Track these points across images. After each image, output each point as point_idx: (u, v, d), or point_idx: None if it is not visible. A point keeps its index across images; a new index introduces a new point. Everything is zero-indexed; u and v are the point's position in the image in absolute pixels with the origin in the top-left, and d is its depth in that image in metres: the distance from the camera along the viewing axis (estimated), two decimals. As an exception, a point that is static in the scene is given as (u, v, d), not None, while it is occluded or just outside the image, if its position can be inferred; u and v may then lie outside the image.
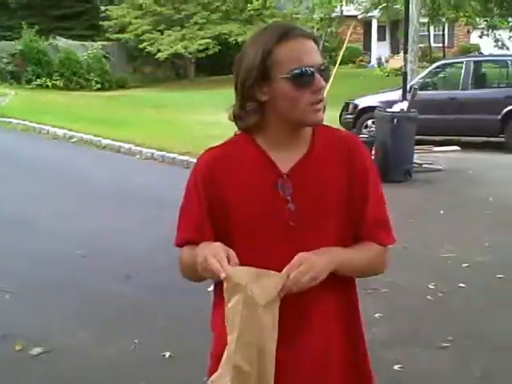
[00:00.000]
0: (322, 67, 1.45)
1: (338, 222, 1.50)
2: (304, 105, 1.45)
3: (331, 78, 18.56)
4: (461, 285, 4.70)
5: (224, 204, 1.50)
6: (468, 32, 25.88)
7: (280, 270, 1.39)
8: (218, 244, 1.42)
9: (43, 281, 4.77)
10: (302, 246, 1.44)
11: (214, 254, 1.37)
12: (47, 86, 22.33)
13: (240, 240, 1.47)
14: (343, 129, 11.26)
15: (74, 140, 11.64)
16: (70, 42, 24.28)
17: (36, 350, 3.72)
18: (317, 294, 1.47)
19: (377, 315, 4.20)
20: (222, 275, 1.34)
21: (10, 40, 23.82)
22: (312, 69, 1.43)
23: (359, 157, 1.54)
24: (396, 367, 3.51)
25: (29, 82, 22.49)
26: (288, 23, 1.47)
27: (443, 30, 27.36)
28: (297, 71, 1.43)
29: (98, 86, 23.09)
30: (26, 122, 13.17)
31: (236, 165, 1.52)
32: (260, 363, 1.37)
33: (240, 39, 23.79)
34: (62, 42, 24.13)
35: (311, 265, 1.38)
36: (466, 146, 10.37)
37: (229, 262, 1.37)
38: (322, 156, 1.51)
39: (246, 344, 1.35)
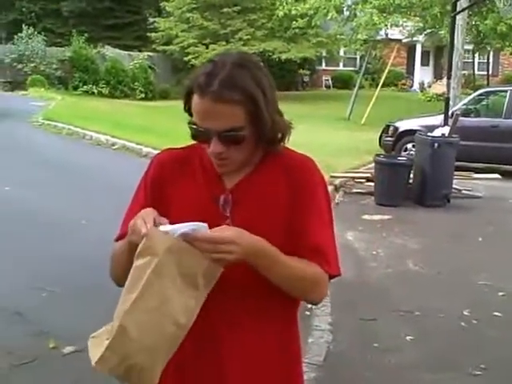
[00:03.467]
0: (227, 133, 1.36)
1: (277, 243, 1.38)
2: (208, 153, 1.43)
3: (373, 100, 18.46)
4: (496, 313, 4.63)
5: (166, 209, 1.44)
6: (514, 61, 25.59)
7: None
8: (149, 209, 1.36)
9: (81, 284, 4.84)
10: (238, 263, 1.37)
11: (143, 216, 1.32)
12: (93, 93, 22.84)
13: None
14: (382, 151, 11.24)
15: (116, 147, 11.84)
16: (118, 51, 24.83)
17: (68, 349, 3.79)
18: (251, 328, 1.44)
19: (408, 338, 4.17)
20: (143, 230, 1.27)
21: (60, 47, 24.50)
22: (208, 132, 1.37)
23: (306, 180, 1.47)
24: (426, 391, 3.48)
25: (75, 88, 23.05)
26: (225, 62, 1.35)
27: (488, 58, 27.06)
28: (193, 127, 1.40)
29: (142, 95, 23.49)
30: (70, 127, 13.45)
31: (187, 172, 1.50)
32: (154, 339, 1.25)
33: (283, 56, 24.00)
34: (109, 50, 24.68)
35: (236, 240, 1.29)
36: (506, 175, 10.22)
37: (155, 224, 1.30)
38: (268, 176, 1.46)
39: (143, 310, 1.25)
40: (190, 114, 1.43)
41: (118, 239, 1.52)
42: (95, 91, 22.97)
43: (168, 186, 1.48)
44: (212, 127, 1.36)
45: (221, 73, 1.35)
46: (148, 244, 1.26)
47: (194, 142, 1.48)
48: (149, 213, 1.33)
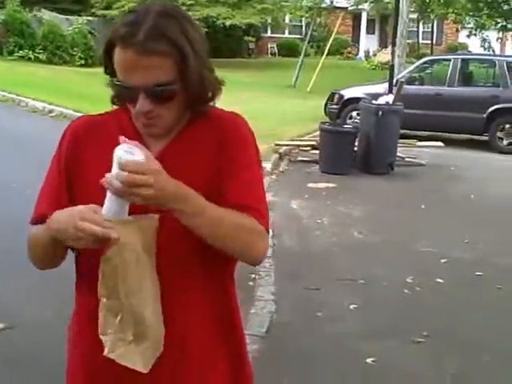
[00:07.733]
0: (155, 88, 1.24)
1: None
2: (133, 114, 1.32)
3: (318, 67, 18.38)
4: (438, 280, 4.65)
5: (82, 176, 1.35)
6: (457, 30, 25.84)
7: None
8: (81, 207, 1.21)
9: (8, 248, 4.51)
10: (168, 229, 1.27)
11: (86, 218, 1.18)
12: (29, 59, 21.91)
13: None
14: (327, 119, 11.18)
15: (53, 114, 11.43)
16: (55, 14, 23.88)
17: (-3, 326, 3.59)
18: (187, 291, 1.34)
19: (352, 307, 4.13)
20: (114, 235, 1.17)
21: (-7, 10, 23.36)
22: (134, 89, 1.25)
23: (235, 136, 1.37)
24: (369, 360, 3.43)
25: (11, 53, 22.05)
26: (149, 10, 1.25)
27: (432, 27, 27.37)
28: (116, 84, 1.29)
29: (82, 61, 22.70)
30: (4, 93, 12.87)
31: (104, 137, 1.37)
32: (156, 312, 1.30)
33: (228, 23, 23.58)
34: (46, 14, 23.72)
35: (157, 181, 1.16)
36: (449, 143, 10.35)
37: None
38: (195, 137, 1.36)
39: (150, 297, 1.28)
40: (111, 76, 1.30)
41: (34, 222, 1.38)
42: (32, 57, 22.04)
43: (83, 153, 1.36)
44: (138, 83, 1.24)
45: (145, 22, 1.23)
46: (118, 244, 1.21)
47: (114, 107, 1.38)
48: (89, 212, 1.19)
